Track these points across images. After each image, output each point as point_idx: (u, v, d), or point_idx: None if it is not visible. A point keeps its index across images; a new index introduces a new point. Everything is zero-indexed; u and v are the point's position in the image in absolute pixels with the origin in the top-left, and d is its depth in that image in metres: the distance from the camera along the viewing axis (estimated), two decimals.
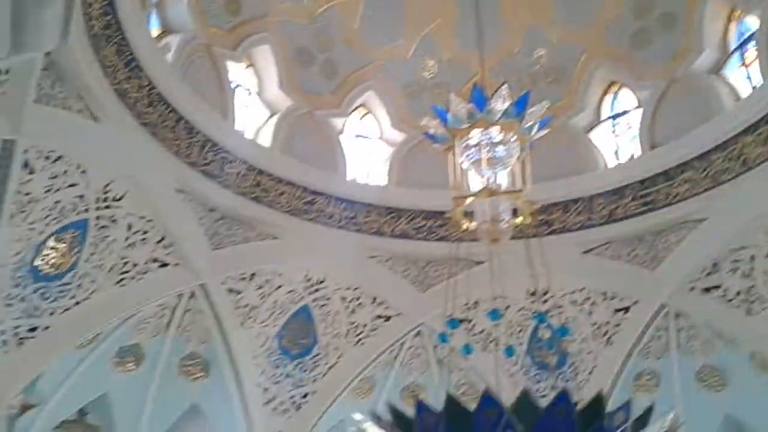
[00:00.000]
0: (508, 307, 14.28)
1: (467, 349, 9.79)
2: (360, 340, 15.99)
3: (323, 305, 15.74)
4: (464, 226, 8.52)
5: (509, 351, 9.73)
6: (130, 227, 12.95)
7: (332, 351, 15.97)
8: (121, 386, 15.20)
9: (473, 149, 8.33)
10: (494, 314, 8.82)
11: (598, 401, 7.38)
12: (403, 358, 16.54)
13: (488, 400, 7.55)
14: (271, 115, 16.58)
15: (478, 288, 11.89)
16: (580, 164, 16.01)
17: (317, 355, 15.94)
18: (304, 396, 15.92)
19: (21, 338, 11.95)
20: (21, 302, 11.84)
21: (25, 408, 13.73)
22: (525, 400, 7.59)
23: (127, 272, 13.14)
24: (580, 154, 16.33)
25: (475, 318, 14.27)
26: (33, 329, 12.04)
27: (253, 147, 15.13)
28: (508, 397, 7.78)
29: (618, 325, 14.83)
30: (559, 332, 8.99)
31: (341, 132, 17.25)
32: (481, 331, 14.94)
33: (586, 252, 14.88)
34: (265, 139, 15.94)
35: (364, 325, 15.96)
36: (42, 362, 12.55)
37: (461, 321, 9.14)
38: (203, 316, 14.78)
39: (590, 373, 14.71)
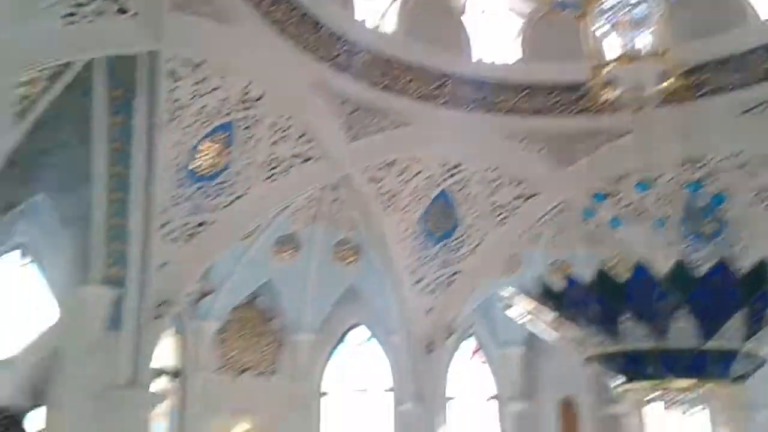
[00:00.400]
0: (658, 177, 13.61)
1: (615, 222, 9.57)
2: (502, 219, 16.07)
3: (462, 188, 15.85)
4: (605, 97, 8.11)
5: (660, 222, 9.40)
6: (272, 126, 13.52)
7: (475, 232, 16.23)
8: (284, 273, 16.62)
9: (609, 12, 7.79)
10: (642, 186, 8.50)
11: (762, 268, 7.04)
12: (547, 235, 16.51)
13: (641, 270, 7.44)
14: (393, 1, 16.19)
15: (623, 160, 11.41)
16: (730, 18, 14.46)
17: (461, 236, 16.27)
18: (452, 275, 16.45)
19: (190, 233, 13.09)
20: (186, 201, 12.91)
21: (203, 295, 15.50)
22: (679, 270, 7.39)
23: (275, 168, 13.87)
24: (728, 8, 14.71)
25: (622, 191, 13.77)
26: (200, 224, 13.14)
27: (377, 35, 14.96)
28: (660, 269, 7.61)
29: None
30: (715, 200, 8.51)
31: (464, 11, 16.58)
32: (629, 205, 14.45)
33: (743, 113, 13.72)
34: (389, 26, 15.69)
35: (505, 205, 15.97)
36: (211, 254, 13.74)
37: (607, 195, 8.88)
38: (349, 204, 15.44)
39: (746, 243, 13.89)
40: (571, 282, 7.87)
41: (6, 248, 13.07)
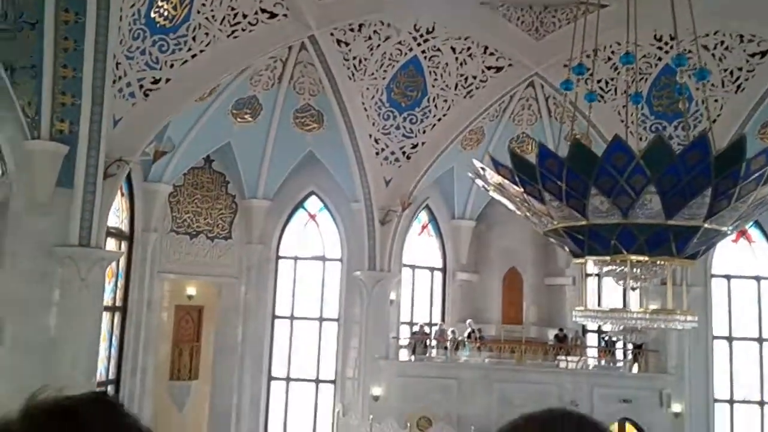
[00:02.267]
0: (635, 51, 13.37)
1: (590, 97, 9.38)
2: (470, 92, 15.74)
3: (432, 56, 15.34)
4: None
5: (636, 98, 9.26)
6: None
7: (442, 103, 15.91)
8: (242, 137, 16.11)
9: None
10: (627, 58, 8.24)
11: (739, 146, 7.00)
12: (513, 109, 16.33)
13: (618, 145, 7.34)
14: None
15: (601, 32, 11.05)
16: None
17: (427, 107, 15.95)
18: (414, 147, 16.27)
19: (146, 90, 12.41)
20: (142, 55, 12.12)
21: (158, 155, 14.91)
22: (659, 145, 7.29)
23: (238, 23, 13.04)
24: None
25: (595, 67, 13.51)
26: (156, 81, 12.43)
27: None
28: (632, 145, 7.52)
29: (751, 71, 13.75)
30: (699, 76, 8.33)
31: None
32: (599, 81, 14.27)
33: None
34: None
35: (474, 77, 15.60)
36: (167, 112, 13.12)
37: (587, 68, 8.60)
38: (314, 68, 14.80)
39: (714, 120, 13.99)
40: (544, 152, 7.72)
41: None
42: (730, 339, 17.92)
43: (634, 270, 10.47)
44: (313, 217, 18.68)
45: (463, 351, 17.59)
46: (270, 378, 17.82)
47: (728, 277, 18.11)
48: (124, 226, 15.53)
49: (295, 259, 18.55)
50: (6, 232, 11.64)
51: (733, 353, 17.87)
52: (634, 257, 10.07)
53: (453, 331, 18.06)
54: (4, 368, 10.85)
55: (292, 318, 18.33)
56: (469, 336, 18.03)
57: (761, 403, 17.61)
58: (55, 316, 11.53)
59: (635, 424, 16.93)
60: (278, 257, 18.36)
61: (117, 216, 15.02)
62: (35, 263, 11.44)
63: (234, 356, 16.98)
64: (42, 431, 0.78)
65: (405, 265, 18.68)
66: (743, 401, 17.69)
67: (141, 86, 12.31)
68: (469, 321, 18.37)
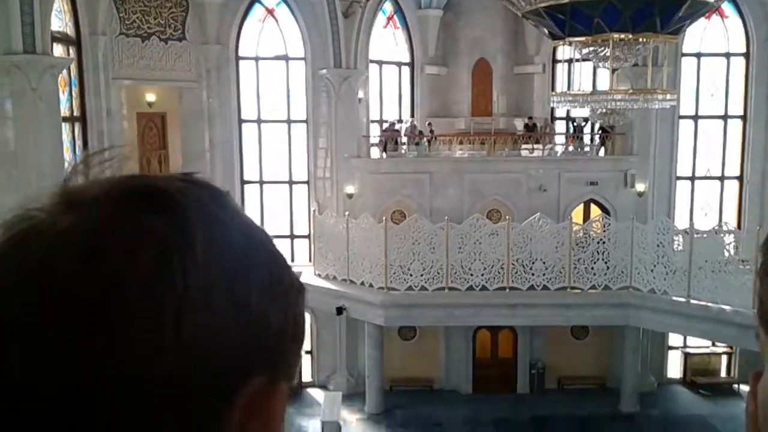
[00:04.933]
0: None
1: None
2: None
3: None
4: None
5: None
6: None
7: None
8: None
9: None
10: None
11: None
12: None
13: None
14: None
15: None
16: None
17: None
18: None
19: None
20: None
21: None
22: None
23: None
24: None
25: None
26: None
27: None
28: None
29: None
30: None
31: None
32: None
33: None
34: None
35: None
36: None
37: None
38: None
39: None
40: None
41: None
42: (695, 118, 18.16)
43: (616, 51, 10.19)
44: (271, 12, 17.56)
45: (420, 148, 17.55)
46: (243, 182, 17.79)
47: (699, 56, 17.93)
48: (70, 30, 14.43)
49: (257, 59, 17.72)
50: None
51: (698, 132, 18.21)
52: (617, 35, 9.76)
53: (429, 124, 17.95)
54: None
55: (259, 121, 17.92)
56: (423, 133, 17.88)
57: (721, 179, 18.31)
58: (11, 128, 11.05)
59: (600, 205, 17.61)
60: (238, 58, 17.50)
61: (59, 18, 13.88)
62: None
63: (203, 162, 16.73)
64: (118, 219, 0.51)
65: (372, 61, 18.05)
66: (704, 177, 18.36)
67: None
68: (428, 122, 18.16)
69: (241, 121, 17.68)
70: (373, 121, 18.33)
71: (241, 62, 17.56)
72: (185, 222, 0.52)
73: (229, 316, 0.52)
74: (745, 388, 15.74)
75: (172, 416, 0.49)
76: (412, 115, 18.92)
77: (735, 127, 18.17)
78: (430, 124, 18.02)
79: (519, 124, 18.51)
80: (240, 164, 17.69)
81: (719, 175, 18.35)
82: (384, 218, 15.68)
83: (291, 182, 18.05)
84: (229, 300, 0.52)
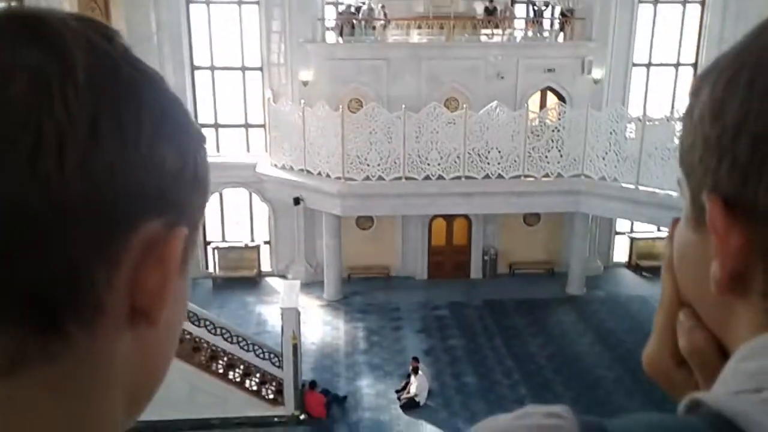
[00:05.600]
0: None
1: None
2: None
3: None
4: None
5: None
6: None
7: None
8: None
9: None
10: None
11: None
12: None
13: None
14: None
15: None
16: None
17: None
18: None
19: None
20: None
21: None
22: None
23: None
24: None
25: None
26: None
27: None
28: None
29: None
30: None
31: None
32: None
33: None
34: None
35: None
36: None
37: None
38: None
39: None
40: None
41: None
42: (655, 2, 17.91)
43: None
44: None
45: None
46: (193, 68, 17.14)
47: None
48: None
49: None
50: None
51: (656, 17, 18.01)
52: None
53: (383, 7, 17.29)
54: None
55: (208, 2, 17.04)
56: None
57: (677, 66, 18.35)
58: None
59: (557, 93, 17.59)
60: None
61: None
62: None
63: (150, 45, 15.97)
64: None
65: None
66: (660, 64, 18.37)
67: None
68: (381, 5, 17.43)
69: (189, 2, 16.79)
70: (328, 3, 17.59)
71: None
72: (64, 48, 0.50)
73: (117, 149, 0.50)
74: None
75: (57, 252, 0.47)
76: None
77: (693, 12, 18.01)
78: (383, 7, 17.34)
79: (479, 7, 17.99)
80: (189, 49, 16.97)
81: (675, 62, 18.37)
82: (340, 107, 15.43)
83: (243, 68, 17.44)
84: (116, 132, 0.50)
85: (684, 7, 18.04)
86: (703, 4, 17.77)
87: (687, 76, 18.20)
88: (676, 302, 0.62)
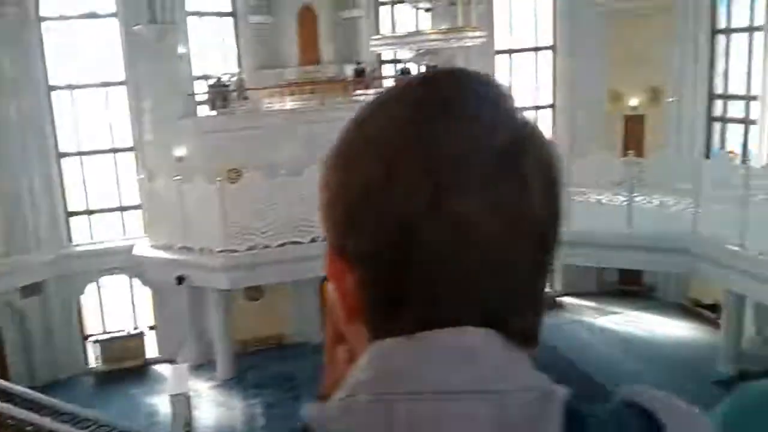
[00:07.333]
0: None
1: None
2: None
3: None
4: None
5: None
6: None
7: None
8: None
9: None
10: None
11: None
12: None
13: None
14: None
15: None
16: None
17: None
18: None
19: None
20: None
21: None
22: None
23: None
24: None
25: None
26: None
27: None
28: None
29: None
30: None
31: None
32: None
33: None
34: None
35: None
36: None
37: None
38: None
39: None
40: None
41: None
42: (510, 52, 18.80)
43: None
44: None
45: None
46: (59, 155, 16.51)
47: None
48: None
49: (61, 18, 16.31)
50: None
51: (512, 66, 18.91)
52: None
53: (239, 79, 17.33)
54: None
55: (71, 87, 16.60)
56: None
57: (537, 108, 19.16)
58: None
59: None
60: (40, 19, 15.98)
61: None
62: None
63: (11, 133, 15.30)
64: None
65: (190, 14, 17.14)
66: (533, 108, 19.13)
67: None
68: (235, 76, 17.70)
69: (50, 88, 16.28)
70: (197, 78, 17.52)
71: (43, 23, 16.07)
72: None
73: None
74: None
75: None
76: (240, 67, 18.27)
77: (546, 58, 19.01)
78: (240, 78, 17.46)
79: (348, 70, 18.41)
80: (54, 135, 16.37)
81: (534, 105, 19.11)
82: (218, 180, 15.20)
83: (114, 150, 16.98)
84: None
85: (536, 54, 19.02)
86: (554, 49, 18.81)
87: (546, 117, 18.94)
88: (337, 337, 0.80)
